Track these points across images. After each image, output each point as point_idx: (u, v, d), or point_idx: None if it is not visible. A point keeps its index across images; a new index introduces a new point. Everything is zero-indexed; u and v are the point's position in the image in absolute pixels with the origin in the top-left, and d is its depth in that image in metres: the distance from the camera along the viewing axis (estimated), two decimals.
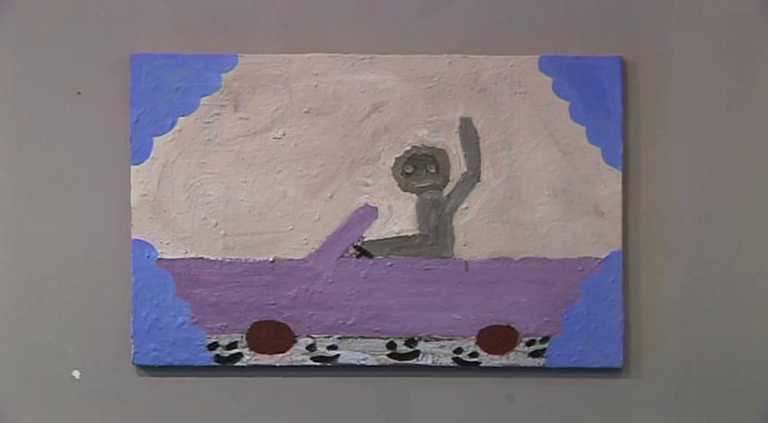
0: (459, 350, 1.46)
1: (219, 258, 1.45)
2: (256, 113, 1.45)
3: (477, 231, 1.46)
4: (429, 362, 1.46)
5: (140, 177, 1.45)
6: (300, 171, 1.46)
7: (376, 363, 1.46)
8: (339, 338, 1.46)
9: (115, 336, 1.47)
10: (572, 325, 1.46)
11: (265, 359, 1.46)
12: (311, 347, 1.46)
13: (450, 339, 1.46)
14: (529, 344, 1.46)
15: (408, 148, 1.46)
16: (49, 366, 1.48)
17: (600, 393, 1.49)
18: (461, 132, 1.46)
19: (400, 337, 1.46)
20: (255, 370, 1.47)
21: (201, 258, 1.45)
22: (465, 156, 1.46)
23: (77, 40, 1.46)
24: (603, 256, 1.45)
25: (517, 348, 1.46)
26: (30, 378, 1.49)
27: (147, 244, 1.45)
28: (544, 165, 1.46)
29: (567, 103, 1.45)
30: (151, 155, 1.45)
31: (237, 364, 1.46)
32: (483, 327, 1.46)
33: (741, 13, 1.47)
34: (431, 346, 1.46)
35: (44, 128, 1.47)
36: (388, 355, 1.46)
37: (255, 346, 1.46)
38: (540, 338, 1.46)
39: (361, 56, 1.45)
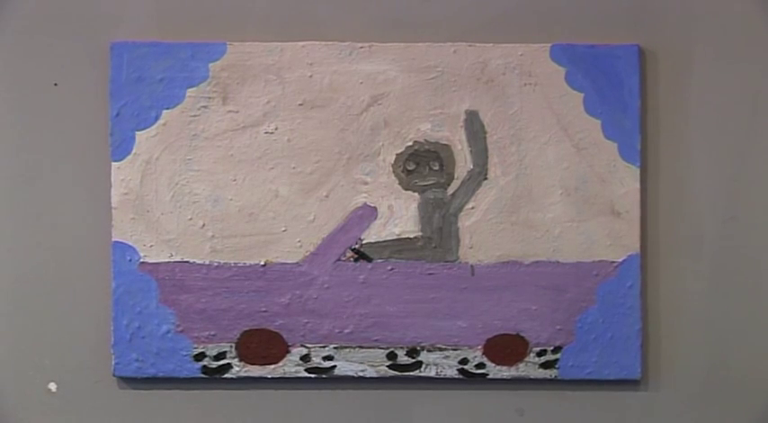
0: (464, 361, 1.44)
1: (207, 262, 1.44)
2: (246, 106, 1.44)
3: (483, 233, 1.44)
4: (432, 373, 1.45)
5: (122, 175, 1.44)
6: (294, 168, 1.44)
7: (375, 374, 1.45)
8: (335, 348, 1.44)
9: (94, 345, 1.46)
10: (586, 334, 1.44)
11: (256, 371, 1.45)
12: (305, 358, 1.44)
13: (455, 349, 1.44)
14: (540, 354, 1.45)
15: (410, 143, 1.44)
16: (23, 379, 1.47)
17: (616, 407, 1.47)
18: (467, 126, 1.44)
19: (401, 347, 1.44)
20: (245, 382, 1.45)
21: (187, 262, 1.44)
22: (471, 152, 1.44)
23: (54, 28, 1.45)
24: (620, 260, 1.44)
25: (527, 359, 1.45)
26: (2, 391, 1.47)
27: (129, 247, 1.43)
28: (556, 161, 1.44)
29: (580, 96, 1.44)
30: (133, 151, 1.43)
31: (226, 375, 1.44)
32: (490, 336, 1.44)
33: None
34: (434, 356, 1.44)
35: (18, 122, 1.46)
36: (388, 367, 1.45)
37: (245, 357, 1.44)
38: (551, 348, 1.45)
39: (360, 44, 1.44)
